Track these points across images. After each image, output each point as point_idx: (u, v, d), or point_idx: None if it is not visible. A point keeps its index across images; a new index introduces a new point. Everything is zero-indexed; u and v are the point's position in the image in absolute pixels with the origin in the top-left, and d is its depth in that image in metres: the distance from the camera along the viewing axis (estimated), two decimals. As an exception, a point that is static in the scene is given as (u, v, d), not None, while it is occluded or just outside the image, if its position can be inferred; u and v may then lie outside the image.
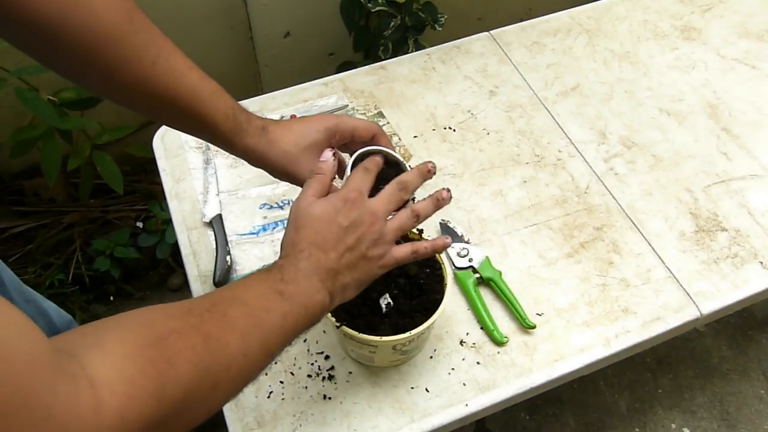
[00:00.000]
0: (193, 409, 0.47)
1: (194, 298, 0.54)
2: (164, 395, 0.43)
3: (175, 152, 1.01)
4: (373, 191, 0.68)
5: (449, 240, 0.68)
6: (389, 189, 0.65)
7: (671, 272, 0.89)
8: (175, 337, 0.46)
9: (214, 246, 0.90)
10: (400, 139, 1.03)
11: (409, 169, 0.71)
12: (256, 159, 0.70)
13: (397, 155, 0.71)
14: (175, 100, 0.65)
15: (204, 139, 0.72)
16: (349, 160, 0.70)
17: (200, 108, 0.66)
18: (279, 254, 0.63)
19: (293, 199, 0.95)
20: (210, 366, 0.48)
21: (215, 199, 0.95)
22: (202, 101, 0.66)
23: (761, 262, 0.90)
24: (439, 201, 0.67)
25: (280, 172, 0.71)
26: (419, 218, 0.65)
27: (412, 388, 0.79)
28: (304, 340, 0.82)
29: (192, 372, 0.46)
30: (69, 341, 0.42)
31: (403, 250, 0.65)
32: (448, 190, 0.67)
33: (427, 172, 0.67)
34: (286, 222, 0.92)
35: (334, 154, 0.67)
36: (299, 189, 0.76)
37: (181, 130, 0.72)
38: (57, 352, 0.39)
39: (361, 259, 0.62)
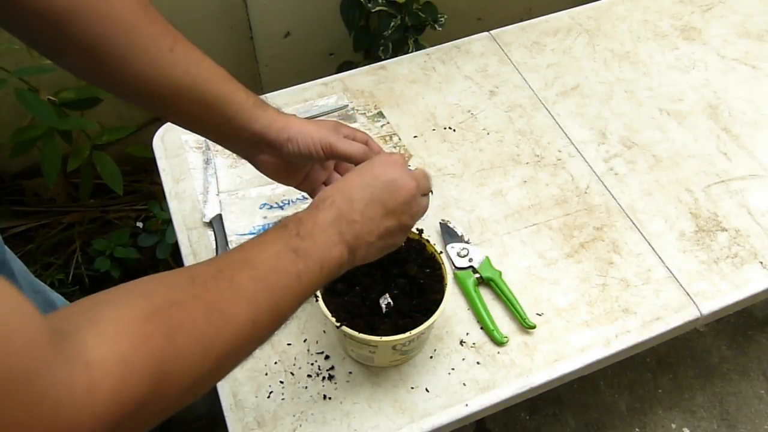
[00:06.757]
0: (198, 384, 0.45)
1: (200, 263, 0.51)
2: (161, 372, 0.41)
3: (175, 152, 1.01)
4: None
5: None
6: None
7: (671, 272, 0.89)
8: (175, 309, 0.44)
9: (214, 246, 0.90)
10: (400, 139, 1.03)
11: None
12: (278, 129, 0.68)
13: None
14: (195, 82, 0.64)
15: (219, 124, 0.68)
16: None
17: (222, 87, 0.66)
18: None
19: (293, 200, 0.95)
20: (213, 339, 0.45)
21: (215, 199, 0.95)
22: (223, 81, 0.66)
23: (761, 262, 0.90)
24: None
25: (295, 151, 0.69)
26: None
27: (412, 388, 0.79)
28: (304, 340, 0.82)
29: (193, 346, 0.44)
30: (66, 318, 0.41)
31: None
32: None
33: None
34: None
35: None
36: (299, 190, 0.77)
37: (195, 119, 0.69)
38: (54, 332, 0.38)
39: (396, 228, 0.62)
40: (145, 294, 0.45)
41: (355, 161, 0.70)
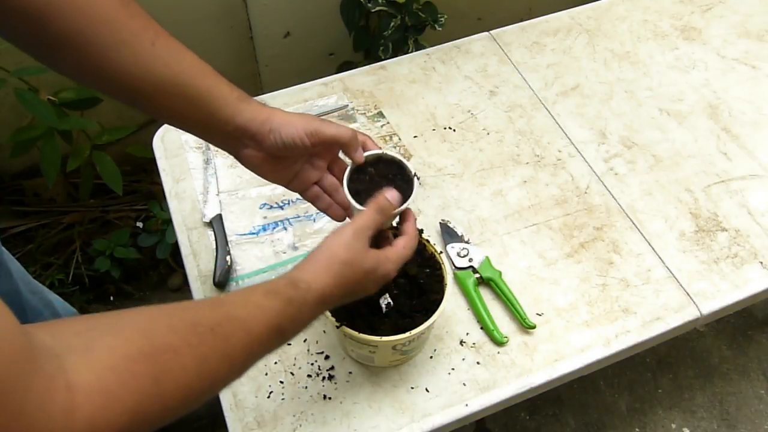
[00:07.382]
0: (166, 420, 0.47)
1: (203, 306, 0.54)
2: (141, 411, 0.43)
3: (175, 152, 1.01)
4: (372, 189, 0.68)
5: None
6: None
7: (671, 272, 0.89)
8: (170, 355, 0.46)
9: (214, 246, 0.90)
10: (400, 139, 1.03)
11: (409, 167, 0.71)
12: (261, 121, 0.68)
13: (396, 155, 0.72)
14: (178, 76, 0.64)
15: (202, 118, 0.68)
16: (348, 168, 0.70)
17: (204, 81, 0.66)
18: (305, 265, 0.61)
19: (293, 200, 0.95)
20: (193, 388, 0.48)
21: (215, 199, 0.95)
22: (205, 76, 0.66)
23: (761, 262, 0.90)
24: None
25: (278, 142, 0.68)
26: None
27: (412, 388, 0.79)
28: (304, 340, 0.82)
29: (175, 392, 0.46)
30: (60, 337, 0.42)
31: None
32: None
33: None
34: (285, 223, 0.93)
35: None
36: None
37: (178, 113, 0.68)
38: (37, 346, 0.38)
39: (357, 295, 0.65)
40: (145, 332, 0.46)
41: (344, 143, 0.69)
